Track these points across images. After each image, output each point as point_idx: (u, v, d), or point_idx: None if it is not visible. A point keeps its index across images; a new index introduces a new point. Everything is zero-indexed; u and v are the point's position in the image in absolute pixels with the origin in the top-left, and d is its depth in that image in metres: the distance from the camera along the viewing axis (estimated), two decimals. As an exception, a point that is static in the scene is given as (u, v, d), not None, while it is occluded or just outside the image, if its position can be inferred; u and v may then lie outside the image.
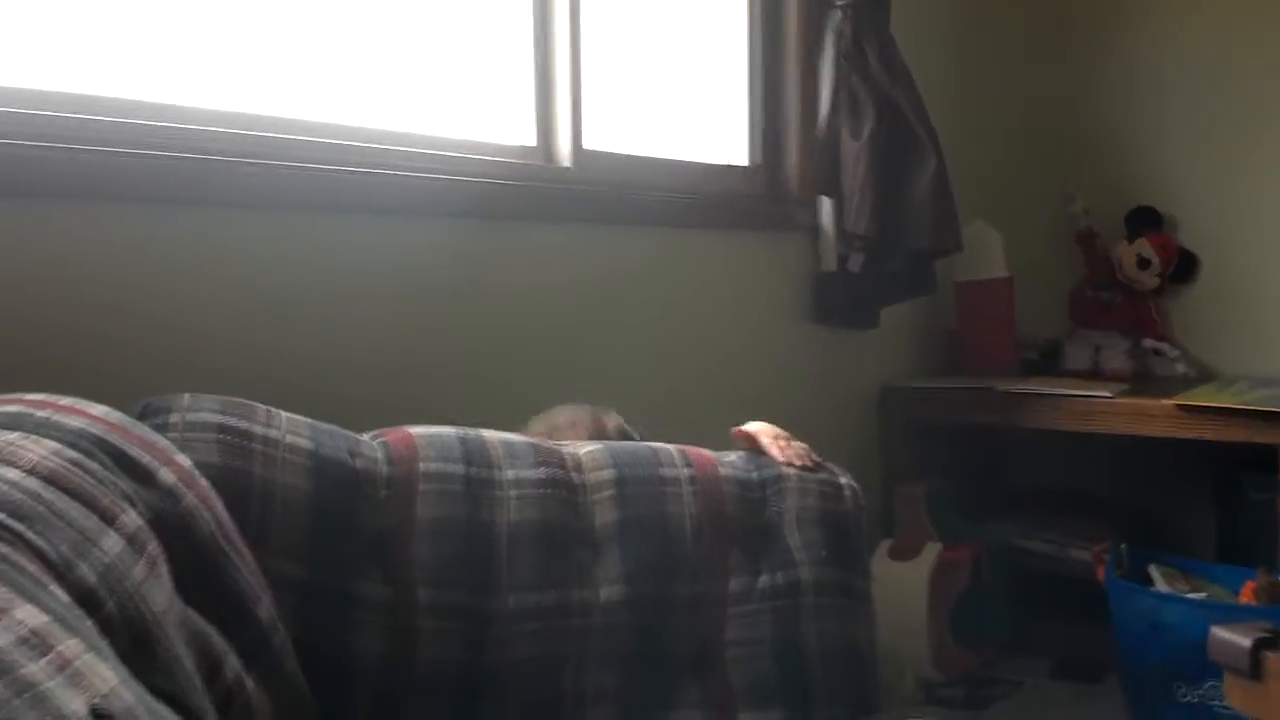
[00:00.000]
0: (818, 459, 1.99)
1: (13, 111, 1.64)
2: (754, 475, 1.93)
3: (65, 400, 1.31)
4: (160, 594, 1.16)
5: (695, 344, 2.81)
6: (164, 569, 1.21)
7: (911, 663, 2.98)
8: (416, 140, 2.25)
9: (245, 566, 1.37)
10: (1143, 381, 3.47)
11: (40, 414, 1.25)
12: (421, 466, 1.68)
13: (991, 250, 3.57)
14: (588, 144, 2.58)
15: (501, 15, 2.48)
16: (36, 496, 1.08)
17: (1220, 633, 2.06)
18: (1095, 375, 3.55)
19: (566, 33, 2.52)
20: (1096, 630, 2.99)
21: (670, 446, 1.92)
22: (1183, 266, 3.59)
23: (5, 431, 1.18)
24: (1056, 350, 3.71)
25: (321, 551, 1.54)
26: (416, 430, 1.75)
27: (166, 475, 1.31)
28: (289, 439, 1.58)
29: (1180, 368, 3.53)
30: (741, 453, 2.00)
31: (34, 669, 0.85)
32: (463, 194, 2.24)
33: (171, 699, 1.06)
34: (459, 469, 1.70)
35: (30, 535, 1.03)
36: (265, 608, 1.38)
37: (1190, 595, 2.88)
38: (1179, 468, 3.43)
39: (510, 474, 1.74)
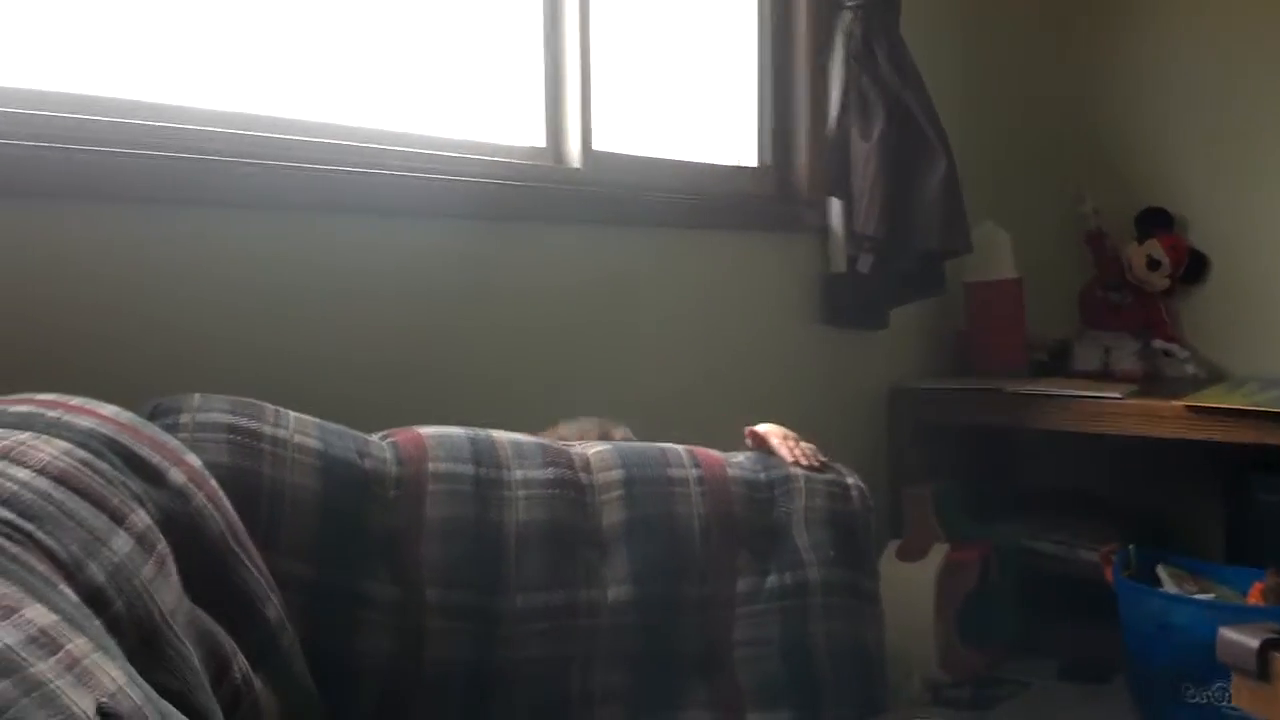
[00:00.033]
0: (825, 459, 1.99)
1: (11, 112, 1.64)
2: (762, 476, 1.93)
3: (76, 400, 1.32)
4: (169, 593, 1.17)
5: (704, 345, 2.82)
6: (173, 568, 1.21)
7: (919, 663, 2.98)
8: (424, 141, 2.25)
9: (254, 566, 1.38)
10: (1152, 382, 3.47)
11: (51, 414, 1.25)
12: (431, 467, 1.68)
13: (1001, 251, 3.57)
14: (597, 145, 2.58)
15: (512, 16, 2.49)
16: (47, 496, 1.09)
17: (1228, 633, 2.06)
18: (1105, 376, 3.55)
19: (576, 33, 2.52)
20: (1104, 631, 2.99)
21: (678, 447, 1.92)
22: (1193, 267, 3.58)
23: (16, 431, 1.18)
24: (1066, 351, 3.71)
25: (330, 551, 1.54)
26: (426, 430, 1.75)
27: (176, 475, 1.31)
28: (298, 439, 1.58)
29: (1190, 369, 3.53)
30: (750, 453, 2.00)
31: (43, 668, 0.85)
32: (472, 195, 2.24)
33: (179, 698, 1.07)
34: (468, 469, 1.70)
35: (40, 535, 1.04)
36: (274, 608, 1.38)
37: (1198, 596, 2.88)
38: (1188, 469, 3.42)
39: (519, 474, 1.74)
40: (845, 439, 2.96)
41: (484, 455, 1.73)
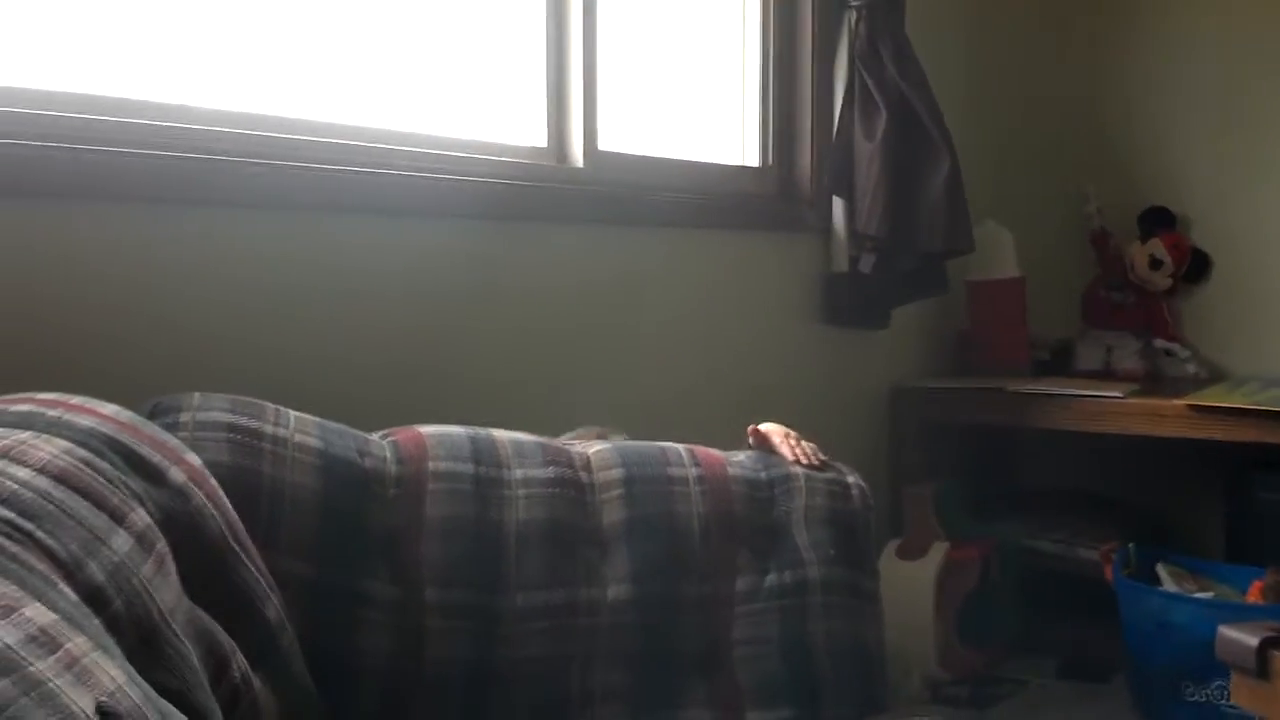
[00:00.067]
0: (826, 458, 2.00)
1: (18, 111, 1.64)
2: (762, 475, 1.93)
3: (76, 399, 1.32)
4: (168, 592, 1.17)
5: (706, 344, 2.82)
6: (172, 567, 1.22)
7: (918, 662, 2.98)
8: (428, 141, 2.25)
9: (254, 566, 1.38)
10: (1154, 382, 3.47)
11: (51, 413, 1.25)
12: (431, 466, 1.68)
13: (1003, 250, 3.57)
14: (600, 145, 2.58)
15: (515, 16, 2.49)
16: (46, 495, 1.09)
17: (1228, 632, 2.06)
18: (1107, 375, 3.55)
19: (580, 33, 2.52)
20: (1104, 630, 3.00)
21: (679, 446, 1.92)
22: (1195, 267, 3.58)
23: (16, 430, 1.19)
24: (1068, 350, 3.71)
25: (330, 550, 1.55)
26: (426, 429, 1.75)
27: (176, 474, 1.31)
28: (298, 438, 1.59)
29: (1192, 368, 3.53)
30: (750, 452, 2.00)
31: (42, 666, 0.86)
32: (475, 195, 2.24)
33: (178, 697, 1.07)
34: (468, 468, 1.71)
35: (40, 534, 1.04)
36: (273, 607, 1.39)
37: (1198, 595, 2.88)
38: (1188, 468, 3.42)
39: (519, 473, 1.74)
40: (846, 438, 2.96)
41: (484, 454, 1.73)
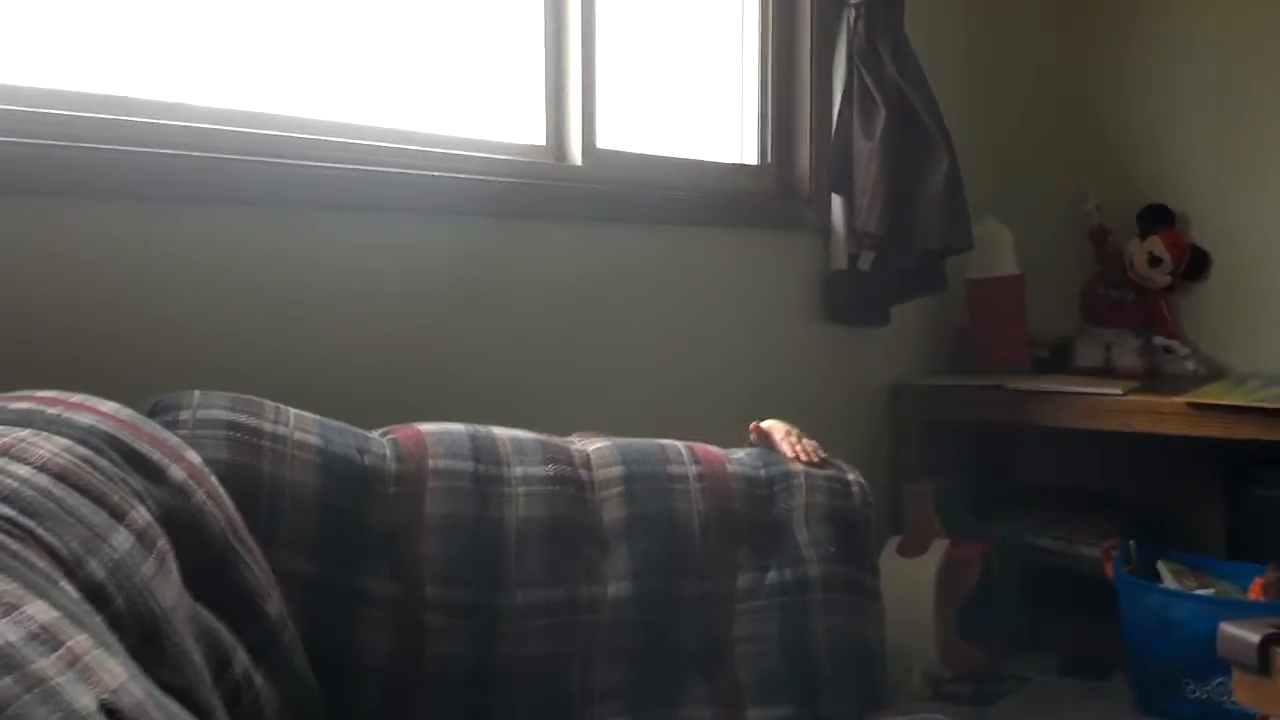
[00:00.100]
0: (826, 455, 2.00)
1: (15, 109, 1.64)
2: (762, 472, 1.93)
3: (75, 397, 1.32)
4: (169, 590, 1.17)
5: (705, 342, 2.82)
6: (173, 565, 1.22)
7: (919, 659, 2.98)
8: (426, 139, 2.25)
9: (254, 563, 1.38)
10: (1153, 379, 3.48)
11: (51, 411, 1.25)
12: (430, 463, 1.68)
13: (1002, 248, 3.57)
14: (599, 143, 2.58)
15: (514, 13, 2.49)
16: (47, 493, 1.09)
17: (1229, 629, 2.07)
18: (1106, 373, 3.55)
19: (579, 31, 2.52)
20: (1105, 626, 3.00)
21: (678, 443, 1.92)
22: (1194, 264, 3.59)
23: (16, 428, 1.19)
24: (1067, 348, 3.71)
25: (330, 548, 1.55)
26: (426, 427, 1.75)
27: (176, 472, 1.31)
28: (298, 436, 1.59)
29: (1191, 365, 3.54)
30: (750, 449, 2.00)
31: (44, 664, 0.86)
32: (473, 193, 2.24)
33: (180, 694, 1.07)
34: (468, 466, 1.70)
35: (40, 532, 1.04)
36: (274, 604, 1.38)
37: (1199, 591, 2.89)
38: (1188, 465, 3.43)
39: (519, 471, 1.74)
40: (846, 436, 2.95)
41: (484, 452, 1.73)
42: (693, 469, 1.87)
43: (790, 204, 3.16)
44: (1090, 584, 3.09)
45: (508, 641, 1.64)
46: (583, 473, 1.80)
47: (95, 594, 1.04)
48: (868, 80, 3.09)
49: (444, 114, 2.34)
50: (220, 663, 1.24)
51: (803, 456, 1.96)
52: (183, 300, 1.80)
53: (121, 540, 1.13)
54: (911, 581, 3.01)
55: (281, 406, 1.62)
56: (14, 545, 1.00)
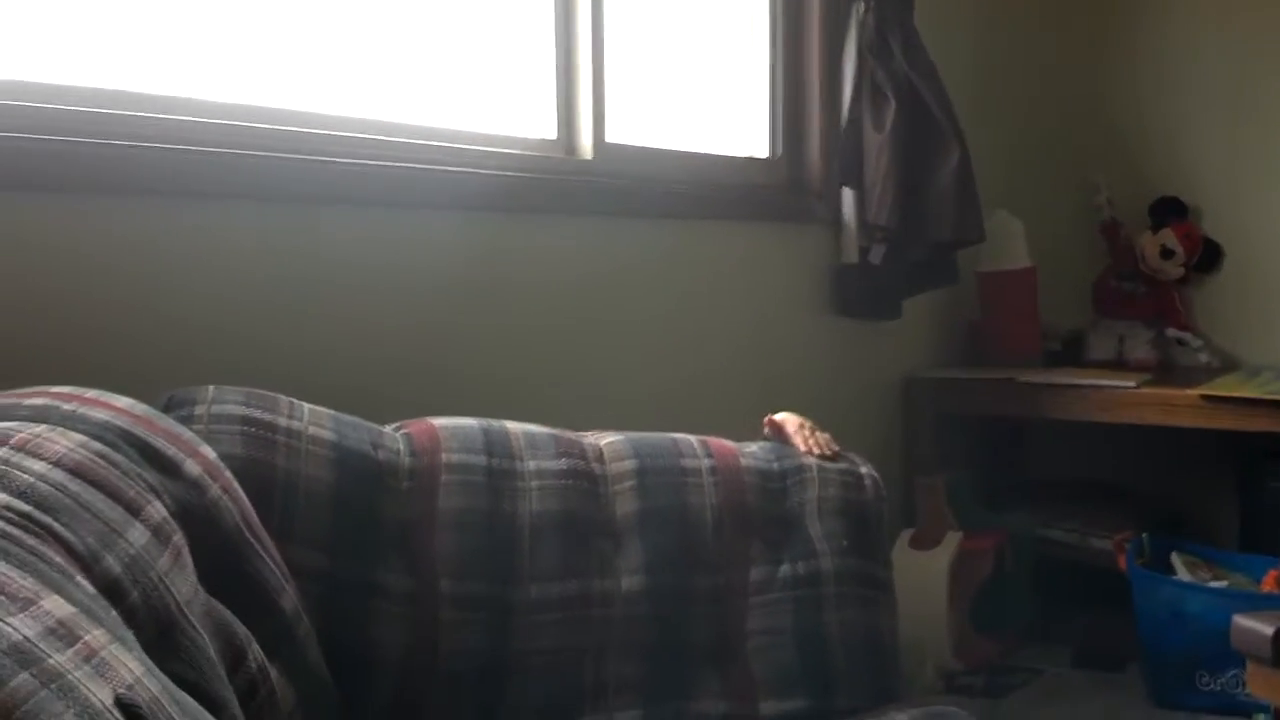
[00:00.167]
0: (839, 449, 2.00)
1: (20, 105, 1.64)
2: (775, 466, 1.93)
3: (91, 393, 1.32)
4: (184, 584, 1.18)
5: (716, 336, 2.82)
6: (188, 559, 1.22)
7: (932, 652, 2.98)
8: (437, 134, 2.25)
9: (269, 557, 1.38)
10: (1166, 372, 3.47)
11: (66, 407, 1.26)
12: (444, 458, 1.68)
13: (1014, 240, 3.56)
14: (609, 136, 2.58)
15: (524, 8, 2.49)
16: (63, 489, 1.10)
17: (1243, 621, 2.06)
18: (1119, 365, 3.54)
19: (589, 25, 2.52)
20: (1118, 619, 3.00)
21: (691, 437, 1.92)
22: (1207, 256, 3.58)
23: (32, 424, 1.19)
24: (1079, 340, 3.70)
25: (344, 543, 1.55)
26: (439, 421, 1.75)
27: (191, 467, 1.32)
28: (312, 431, 1.59)
29: (1204, 358, 3.53)
30: (763, 443, 2.00)
31: (61, 659, 0.86)
32: (484, 187, 2.24)
33: (195, 688, 1.07)
34: (481, 460, 1.71)
35: (57, 527, 1.04)
36: (288, 598, 1.39)
37: (1212, 584, 2.88)
38: (1202, 457, 3.42)
39: (532, 465, 1.74)
40: (858, 429, 2.95)
41: (497, 446, 1.74)
42: (705, 462, 1.87)
43: (801, 197, 3.16)
44: (1103, 576, 3.08)
45: (521, 635, 1.64)
46: (595, 466, 1.80)
47: (111, 589, 1.04)
48: (878, 73, 3.09)
49: (455, 109, 2.34)
50: (235, 657, 1.24)
51: (815, 450, 1.96)
52: (195, 296, 1.80)
53: (137, 535, 1.13)
54: (924, 574, 3.01)
55: (296, 401, 1.62)
56: (30, 540, 1.00)
